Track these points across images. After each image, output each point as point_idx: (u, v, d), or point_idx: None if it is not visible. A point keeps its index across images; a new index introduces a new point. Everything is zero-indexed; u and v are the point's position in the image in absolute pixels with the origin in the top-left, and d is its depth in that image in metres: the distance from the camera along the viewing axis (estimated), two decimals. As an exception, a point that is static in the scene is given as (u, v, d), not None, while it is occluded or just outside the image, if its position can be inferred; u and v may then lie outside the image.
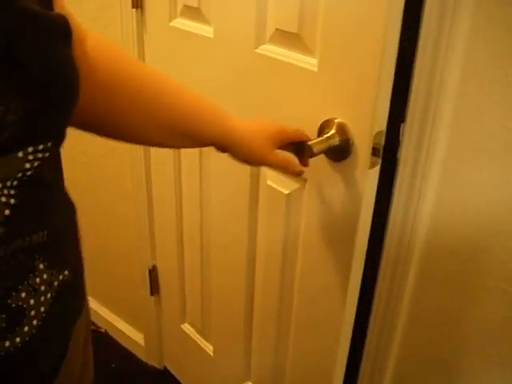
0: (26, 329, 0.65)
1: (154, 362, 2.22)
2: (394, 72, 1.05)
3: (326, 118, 1.15)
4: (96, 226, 2.11)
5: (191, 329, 1.98)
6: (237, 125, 1.00)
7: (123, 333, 2.29)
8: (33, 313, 0.65)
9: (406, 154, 1.16)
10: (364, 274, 1.32)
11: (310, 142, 1.08)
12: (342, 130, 1.13)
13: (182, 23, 1.44)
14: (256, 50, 1.25)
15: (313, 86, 1.16)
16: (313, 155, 1.09)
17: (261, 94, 1.29)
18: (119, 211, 2.00)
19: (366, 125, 1.08)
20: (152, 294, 2.03)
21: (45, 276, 0.67)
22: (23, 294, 0.63)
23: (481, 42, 0.99)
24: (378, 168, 1.13)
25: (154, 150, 1.69)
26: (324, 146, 1.11)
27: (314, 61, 1.15)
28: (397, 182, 1.20)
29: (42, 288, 0.66)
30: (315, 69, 1.15)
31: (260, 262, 1.52)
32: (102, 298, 2.34)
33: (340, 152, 1.14)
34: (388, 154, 1.15)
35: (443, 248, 1.20)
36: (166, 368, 2.22)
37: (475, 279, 1.16)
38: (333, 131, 1.13)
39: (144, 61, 1.59)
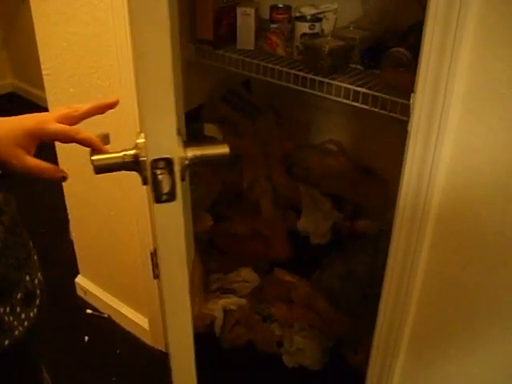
0: None
1: (159, 346, 2.18)
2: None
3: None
4: (96, 212, 2.06)
5: (196, 310, 1.93)
6: None
7: (127, 317, 2.25)
8: None
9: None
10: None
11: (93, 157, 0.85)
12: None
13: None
14: None
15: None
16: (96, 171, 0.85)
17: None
18: (119, 196, 1.95)
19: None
20: (155, 277, 1.98)
21: None
22: None
23: None
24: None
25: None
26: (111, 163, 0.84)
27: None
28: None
29: None
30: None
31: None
32: (105, 284, 2.31)
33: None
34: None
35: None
36: (172, 351, 2.16)
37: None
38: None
39: None
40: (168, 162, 0.69)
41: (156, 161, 0.69)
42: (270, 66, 1.92)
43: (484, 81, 1.04)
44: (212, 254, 2.24)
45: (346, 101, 1.77)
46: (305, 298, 2.09)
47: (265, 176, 2.48)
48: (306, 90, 1.86)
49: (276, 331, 2.03)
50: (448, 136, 1.12)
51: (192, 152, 0.74)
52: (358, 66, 1.86)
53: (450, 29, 1.03)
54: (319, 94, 1.84)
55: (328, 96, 1.81)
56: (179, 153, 0.71)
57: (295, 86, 1.88)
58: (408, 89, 1.47)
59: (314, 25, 1.89)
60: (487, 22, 0.99)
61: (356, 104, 1.74)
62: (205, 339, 2.06)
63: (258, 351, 2.02)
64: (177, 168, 0.70)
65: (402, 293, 1.35)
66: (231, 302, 2.04)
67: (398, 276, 1.35)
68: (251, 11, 2.00)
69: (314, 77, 1.82)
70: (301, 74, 1.85)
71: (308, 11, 1.94)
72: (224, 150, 0.79)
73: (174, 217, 0.73)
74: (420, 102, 1.14)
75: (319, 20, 1.91)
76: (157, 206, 0.72)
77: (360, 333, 1.97)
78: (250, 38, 2.04)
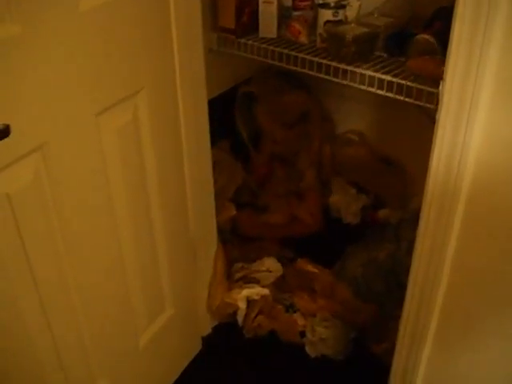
0: None
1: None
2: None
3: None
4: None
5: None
6: None
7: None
8: None
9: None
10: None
11: None
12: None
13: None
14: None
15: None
16: None
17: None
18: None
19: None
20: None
21: None
22: None
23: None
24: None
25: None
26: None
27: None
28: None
29: None
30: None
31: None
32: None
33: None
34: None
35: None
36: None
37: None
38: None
39: None
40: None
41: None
42: (293, 53, 1.90)
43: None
44: (235, 243, 2.24)
45: (370, 89, 1.75)
46: (327, 287, 2.08)
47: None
48: (329, 78, 1.84)
49: (299, 321, 2.02)
50: (478, 124, 1.10)
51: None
52: (383, 54, 1.83)
53: (482, 13, 1.01)
54: (343, 82, 1.82)
55: (352, 84, 1.80)
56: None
57: (318, 74, 1.86)
58: (434, 76, 1.46)
59: (337, 12, 1.87)
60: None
61: (381, 92, 1.72)
62: (228, 329, 2.07)
63: (281, 341, 2.01)
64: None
65: (429, 281, 1.34)
66: (254, 291, 2.03)
67: (426, 264, 1.33)
68: (273, -1, 1.98)
69: (338, 65, 1.80)
70: (324, 61, 1.84)
71: (331, -2, 1.92)
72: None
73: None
74: (449, 89, 1.12)
75: (343, 7, 1.89)
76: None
77: (384, 322, 1.96)
78: (272, 25, 2.02)
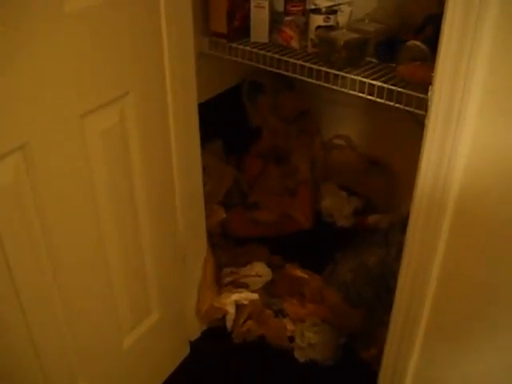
0: None
1: None
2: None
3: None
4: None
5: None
6: None
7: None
8: None
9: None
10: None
11: None
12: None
13: None
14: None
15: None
16: None
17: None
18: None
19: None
20: None
21: None
22: None
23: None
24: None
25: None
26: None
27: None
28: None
29: None
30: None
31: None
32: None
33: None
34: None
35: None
36: None
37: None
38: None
39: None
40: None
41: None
42: (284, 58, 1.91)
43: (506, 73, 1.02)
44: (224, 247, 2.23)
45: (361, 94, 1.75)
46: (317, 292, 2.08)
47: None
48: (320, 83, 1.84)
49: (288, 326, 2.01)
50: (466, 131, 1.11)
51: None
52: (373, 60, 1.84)
53: (470, 22, 1.01)
54: (334, 87, 1.83)
55: (343, 89, 1.80)
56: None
57: (309, 79, 1.86)
58: (424, 82, 1.46)
59: (329, 17, 1.87)
60: (510, 11, 0.97)
61: (371, 98, 1.73)
62: (216, 333, 2.06)
63: (270, 346, 2.01)
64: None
65: (418, 286, 1.34)
66: (243, 296, 2.03)
67: (414, 269, 1.34)
68: (265, 3, 1.98)
69: (329, 70, 1.81)
70: (315, 66, 1.84)
71: (323, 3, 1.92)
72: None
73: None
74: (438, 96, 1.12)
75: (334, 12, 1.89)
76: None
77: (373, 327, 1.96)
78: (264, 30, 2.02)
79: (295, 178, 2.54)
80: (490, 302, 1.23)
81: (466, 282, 1.25)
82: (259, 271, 2.13)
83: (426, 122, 1.18)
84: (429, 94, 1.20)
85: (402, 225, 2.05)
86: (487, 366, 1.31)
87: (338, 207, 2.53)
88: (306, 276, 2.12)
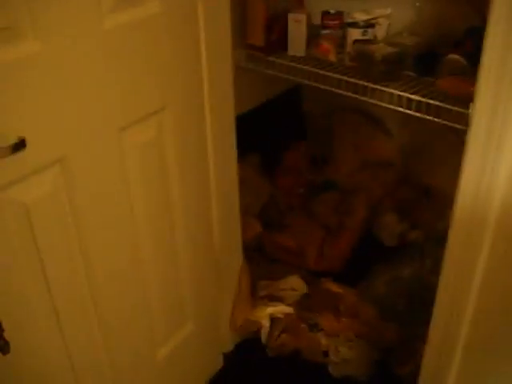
0: None
1: None
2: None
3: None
4: None
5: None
6: None
7: None
8: None
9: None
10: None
11: None
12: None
13: None
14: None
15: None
16: None
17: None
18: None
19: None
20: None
21: None
22: None
23: None
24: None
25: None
26: None
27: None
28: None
29: None
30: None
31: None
32: None
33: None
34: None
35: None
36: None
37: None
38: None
39: None
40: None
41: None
42: (322, 72, 1.91)
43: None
44: (260, 261, 2.23)
45: (399, 108, 1.74)
46: (351, 307, 2.06)
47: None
48: (357, 96, 1.84)
49: (322, 341, 2.00)
50: (509, 145, 1.09)
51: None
52: (411, 73, 1.83)
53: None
54: (371, 101, 1.82)
55: (380, 103, 1.79)
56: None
57: (347, 93, 1.86)
58: (464, 97, 1.44)
59: (366, 31, 1.87)
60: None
61: (409, 112, 1.71)
62: (250, 346, 2.05)
63: (305, 360, 1.99)
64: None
65: (457, 301, 1.32)
66: (278, 309, 2.02)
67: (453, 283, 1.31)
68: (302, 17, 1.98)
69: (367, 83, 1.80)
70: (353, 80, 1.83)
71: (360, 17, 1.92)
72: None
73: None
74: (480, 109, 1.11)
75: (372, 26, 1.89)
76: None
77: (408, 343, 1.93)
78: (301, 44, 2.02)
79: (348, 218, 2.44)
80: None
81: (506, 296, 1.22)
82: (294, 285, 2.12)
83: (467, 137, 1.17)
84: (470, 108, 1.18)
85: (439, 238, 2.05)
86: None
87: (390, 228, 2.48)
88: (340, 291, 2.11)
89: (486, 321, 1.30)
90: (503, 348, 1.29)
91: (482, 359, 1.35)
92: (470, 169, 1.17)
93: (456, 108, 1.57)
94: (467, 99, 1.25)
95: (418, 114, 1.70)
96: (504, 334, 1.27)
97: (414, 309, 1.99)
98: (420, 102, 1.68)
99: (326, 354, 1.98)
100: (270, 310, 2.02)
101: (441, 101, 1.64)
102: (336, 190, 2.53)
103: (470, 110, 1.17)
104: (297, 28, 2.01)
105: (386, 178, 2.52)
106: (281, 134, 2.52)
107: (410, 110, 1.71)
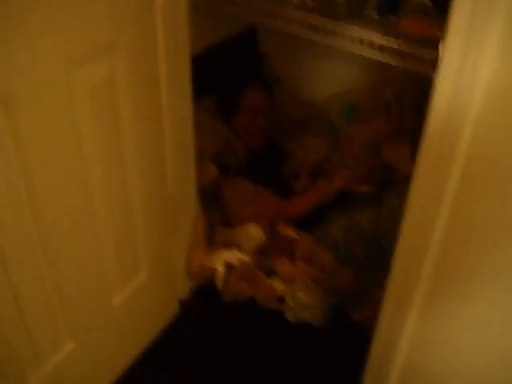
0: None
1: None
2: None
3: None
4: None
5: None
6: None
7: None
8: None
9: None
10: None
11: None
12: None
13: None
14: None
15: None
16: None
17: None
18: None
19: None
20: None
21: None
22: None
23: None
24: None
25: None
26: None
27: None
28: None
29: None
30: None
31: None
32: None
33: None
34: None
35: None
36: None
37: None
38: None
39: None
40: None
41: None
42: (282, 11, 1.84)
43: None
44: (216, 206, 2.18)
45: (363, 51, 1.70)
46: (308, 252, 2.05)
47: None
48: (318, 38, 1.78)
49: (278, 286, 1.99)
50: (482, 72, 1.03)
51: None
52: (374, 14, 1.77)
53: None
54: (332, 43, 1.77)
55: (343, 45, 1.74)
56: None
57: (308, 35, 1.80)
58: (427, 38, 1.41)
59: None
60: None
61: (372, 55, 1.68)
62: (207, 292, 2.03)
63: (261, 307, 1.98)
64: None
65: (422, 234, 1.27)
66: (234, 255, 2.00)
67: (418, 216, 1.27)
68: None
69: (328, 25, 1.74)
70: (313, 21, 1.77)
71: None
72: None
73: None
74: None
75: (334, -36, 1.82)
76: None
77: (364, 287, 1.94)
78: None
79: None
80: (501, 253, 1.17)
81: (478, 229, 1.18)
82: (252, 232, 2.09)
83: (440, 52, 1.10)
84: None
85: (395, 188, 2.04)
86: (486, 324, 1.27)
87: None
88: (297, 236, 2.09)
89: (452, 254, 1.25)
90: (467, 290, 1.26)
91: (443, 303, 1.34)
92: (442, 90, 1.10)
93: (420, 49, 1.53)
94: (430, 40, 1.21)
95: (380, 59, 1.66)
96: (471, 269, 1.23)
97: (371, 255, 1.99)
98: (383, 43, 1.64)
99: (281, 299, 1.98)
100: (226, 255, 1.99)
101: (404, 42, 1.60)
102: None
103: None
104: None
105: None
106: (237, 76, 2.44)
107: (373, 51, 1.67)
